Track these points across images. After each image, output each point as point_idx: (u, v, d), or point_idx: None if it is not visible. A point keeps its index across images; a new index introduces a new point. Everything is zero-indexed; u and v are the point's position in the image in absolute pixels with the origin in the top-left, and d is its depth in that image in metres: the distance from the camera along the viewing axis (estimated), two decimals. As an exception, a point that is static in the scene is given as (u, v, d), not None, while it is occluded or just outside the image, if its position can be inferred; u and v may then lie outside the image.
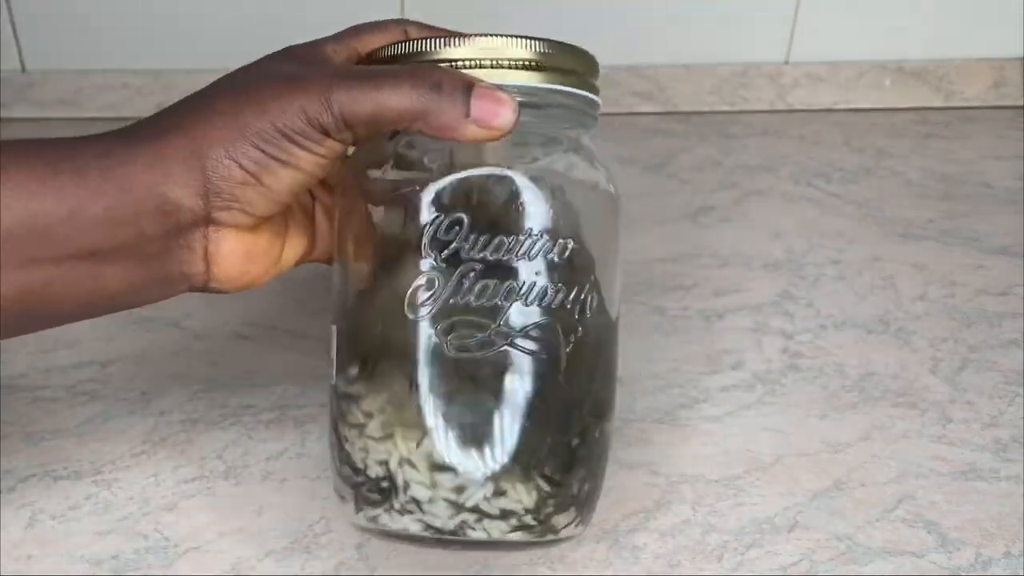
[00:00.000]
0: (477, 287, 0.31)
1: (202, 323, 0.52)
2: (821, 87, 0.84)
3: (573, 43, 0.34)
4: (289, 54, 0.34)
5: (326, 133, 0.31)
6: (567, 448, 0.33)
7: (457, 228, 0.31)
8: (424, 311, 0.32)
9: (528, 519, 0.32)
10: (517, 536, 0.32)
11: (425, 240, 0.32)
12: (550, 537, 0.33)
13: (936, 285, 0.57)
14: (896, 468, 0.43)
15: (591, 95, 0.34)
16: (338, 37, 0.36)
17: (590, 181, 0.35)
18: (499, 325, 0.31)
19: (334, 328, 0.35)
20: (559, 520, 0.33)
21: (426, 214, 0.32)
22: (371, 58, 0.35)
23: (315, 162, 0.32)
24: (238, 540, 0.39)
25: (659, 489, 0.41)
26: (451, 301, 0.31)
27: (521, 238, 0.32)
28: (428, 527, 0.32)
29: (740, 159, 0.74)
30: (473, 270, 0.31)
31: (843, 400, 0.47)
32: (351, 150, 0.34)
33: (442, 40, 0.33)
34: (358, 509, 0.34)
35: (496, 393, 0.32)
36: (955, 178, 0.71)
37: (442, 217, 0.32)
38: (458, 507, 0.32)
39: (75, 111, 0.81)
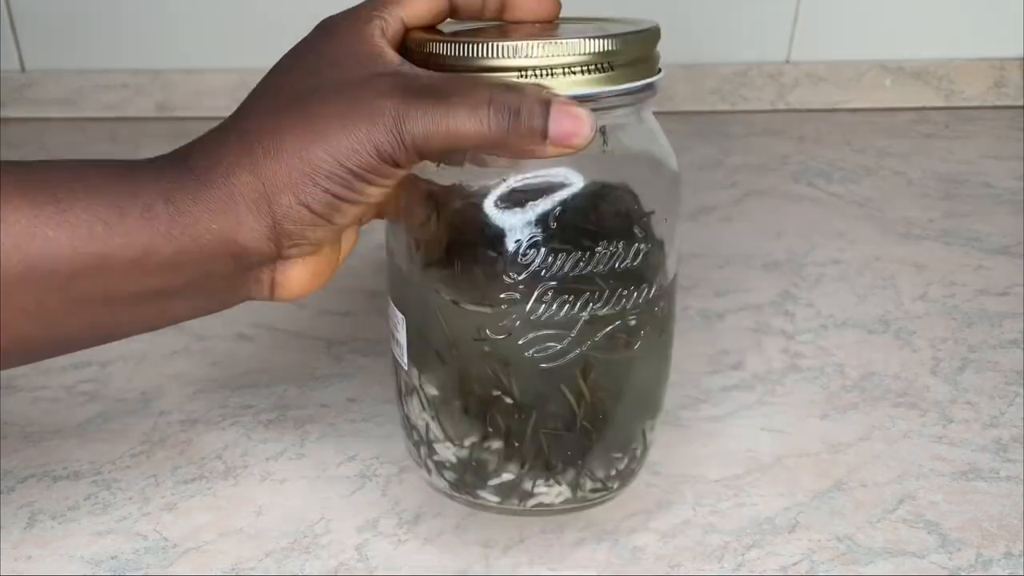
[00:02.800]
0: (555, 304, 0.33)
1: (202, 323, 0.52)
2: (822, 87, 0.84)
3: (634, 21, 0.34)
4: (336, 45, 0.32)
5: (397, 165, 0.30)
6: (640, 436, 0.37)
7: (533, 251, 0.32)
8: (507, 330, 0.33)
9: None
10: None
11: (504, 261, 0.32)
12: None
13: (936, 285, 0.57)
14: (896, 468, 0.42)
15: (659, 77, 0.34)
16: (380, 5, 0.32)
17: (653, 157, 0.35)
18: (574, 335, 0.33)
19: (401, 318, 0.36)
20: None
21: (505, 229, 0.32)
22: (424, 52, 0.32)
23: (382, 192, 0.31)
24: (238, 540, 0.38)
25: (659, 489, 0.41)
26: (531, 318, 0.33)
27: (597, 251, 0.32)
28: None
29: (740, 159, 0.74)
30: (551, 289, 0.32)
31: (843, 400, 0.47)
32: None
33: (511, 47, 0.30)
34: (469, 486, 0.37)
35: (574, 395, 0.34)
36: (955, 178, 0.71)
37: (520, 241, 0.32)
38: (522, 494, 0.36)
39: (75, 111, 0.81)
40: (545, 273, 0.32)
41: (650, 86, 0.33)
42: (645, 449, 0.38)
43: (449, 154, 0.30)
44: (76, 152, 0.75)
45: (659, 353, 0.37)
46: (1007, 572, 0.37)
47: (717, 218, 0.65)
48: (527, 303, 0.32)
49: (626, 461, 0.37)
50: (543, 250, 0.32)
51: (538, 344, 0.33)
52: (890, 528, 0.39)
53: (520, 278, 0.32)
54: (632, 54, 0.31)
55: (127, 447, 0.43)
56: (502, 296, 0.33)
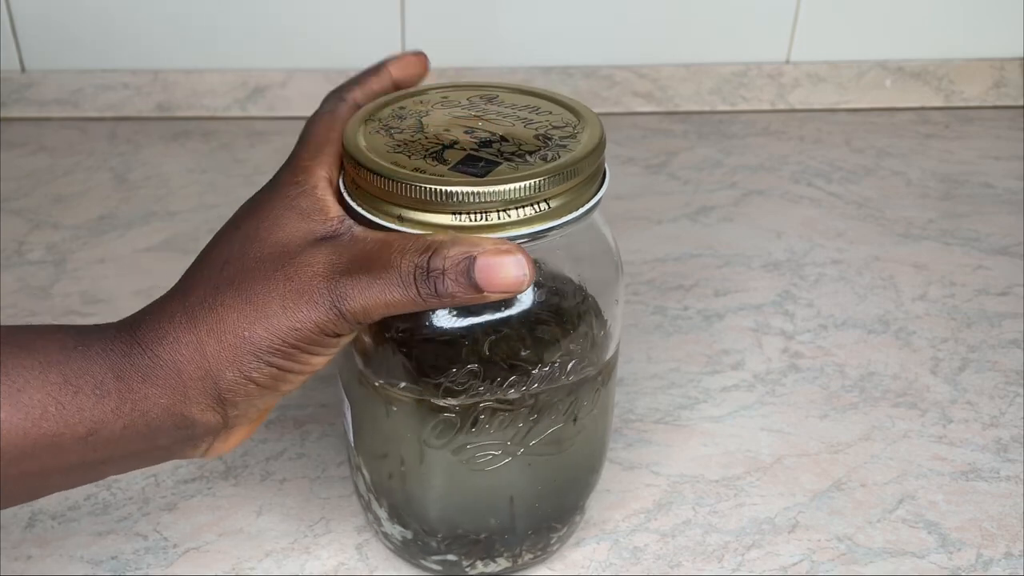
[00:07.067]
0: (492, 422, 0.33)
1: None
2: (822, 87, 0.84)
3: (571, 109, 0.33)
4: (278, 200, 0.32)
5: (339, 335, 0.30)
6: (567, 514, 0.38)
7: (469, 379, 0.32)
8: (443, 446, 0.33)
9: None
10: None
11: (440, 387, 0.32)
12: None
13: (936, 285, 0.57)
14: (896, 468, 0.42)
15: (601, 194, 0.32)
16: (317, 153, 0.33)
17: (595, 244, 0.34)
18: (510, 444, 0.33)
19: (347, 408, 0.36)
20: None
21: (438, 356, 0.32)
22: (355, 185, 0.32)
23: (327, 360, 0.31)
24: (238, 540, 0.38)
25: (659, 489, 0.41)
26: (467, 433, 0.33)
27: (534, 373, 0.32)
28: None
29: (740, 159, 0.74)
30: (487, 410, 0.32)
31: (843, 400, 0.47)
32: None
33: (440, 193, 0.29)
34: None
35: (509, 491, 0.35)
36: (955, 178, 0.71)
37: (455, 371, 0.32)
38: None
39: (75, 111, 0.81)
40: (479, 398, 0.32)
41: (597, 203, 0.32)
42: (582, 512, 0.39)
43: (390, 316, 0.30)
44: (76, 151, 0.75)
45: (598, 430, 0.37)
46: (1007, 572, 0.37)
47: (717, 218, 0.65)
48: (463, 425, 0.33)
49: (565, 529, 0.38)
50: (477, 376, 0.32)
51: (473, 454, 0.33)
52: (890, 528, 0.39)
53: (455, 403, 0.32)
54: (568, 183, 0.30)
55: (127, 447, 0.43)
56: (438, 419, 0.32)
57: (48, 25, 0.80)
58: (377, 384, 0.33)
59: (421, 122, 0.33)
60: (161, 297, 0.32)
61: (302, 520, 0.40)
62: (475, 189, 0.29)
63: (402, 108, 0.34)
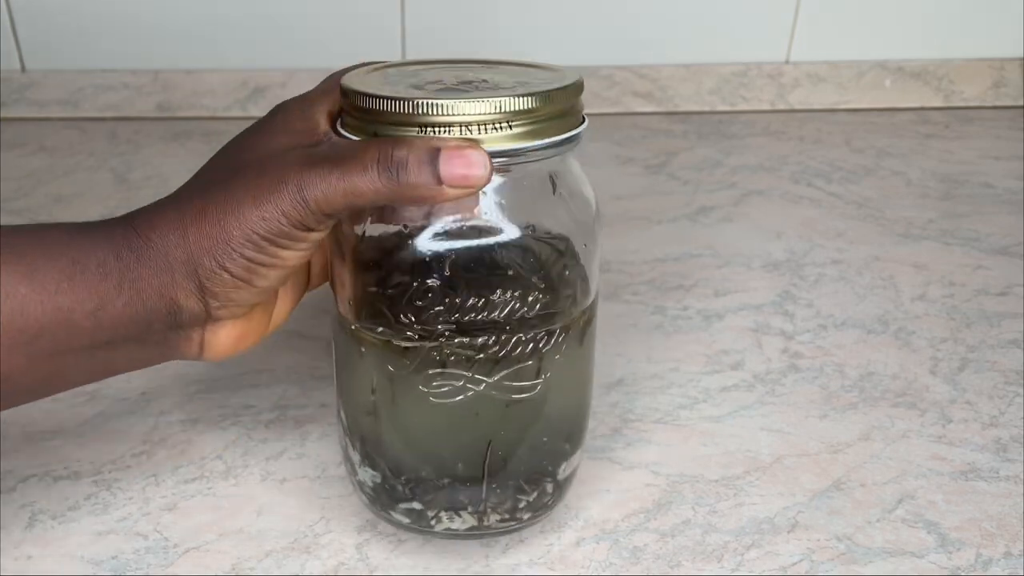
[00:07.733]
0: (451, 346, 0.34)
1: (202, 323, 0.52)
2: (822, 87, 0.84)
3: (559, 73, 0.35)
4: (281, 120, 0.35)
5: (308, 228, 0.32)
6: (536, 477, 0.37)
7: (430, 295, 0.33)
8: (405, 369, 0.34)
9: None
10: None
11: (403, 303, 0.33)
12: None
13: (936, 285, 0.57)
14: (896, 468, 0.43)
15: (573, 132, 0.34)
16: (326, 94, 0.36)
17: (570, 192, 0.35)
18: (473, 376, 0.34)
19: (334, 348, 0.38)
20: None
21: (402, 276, 0.33)
22: (348, 99, 0.34)
23: (300, 256, 0.33)
24: (238, 540, 0.39)
25: (659, 489, 0.41)
26: (429, 357, 0.34)
27: (494, 298, 0.33)
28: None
29: (740, 159, 0.74)
30: (447, 332, 0.33)
31: (843, 400, 0.47)
32: None
33: (409, 104, 0.31)
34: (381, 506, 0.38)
35: (473, 433, 0.35)
36: (955, 178, 0.71)
37: (416, 285, 0.33)
38: (426, 519, 0.37)
39: (75, 111, 0.81)
40: (440, 317, 0.33)
41: (568, 140, 0.33)
42: (558, 486, 0.38)
43: (355, 208, 0.32)
44: (76, 151, 0.75)
45: (569, 391, 0.37)
46: (1007, 572, 0.37)
47: (717, 218, 0.65)
48: (423, 349, 0.34)
49: (535, 495, 0.37)
50: (437, 294, 0.33)
51: (434, 382, 0.34)
52: (889, 528, 0.39)
53: (415, 320, 0.33)
54: (538, 114, 0.32)
55: (128, 447, 0.43)
56: (403, 336, 0.34)
57: (48, 25, 0.80)
58: (354, 328, 0.35)
59: (420, 74, 0.35)
60: (160, 199, 0.35)
61: (302, 520, 0.40)
62: (438, 101, 0.31)
63: (408, 67, 0.37)
